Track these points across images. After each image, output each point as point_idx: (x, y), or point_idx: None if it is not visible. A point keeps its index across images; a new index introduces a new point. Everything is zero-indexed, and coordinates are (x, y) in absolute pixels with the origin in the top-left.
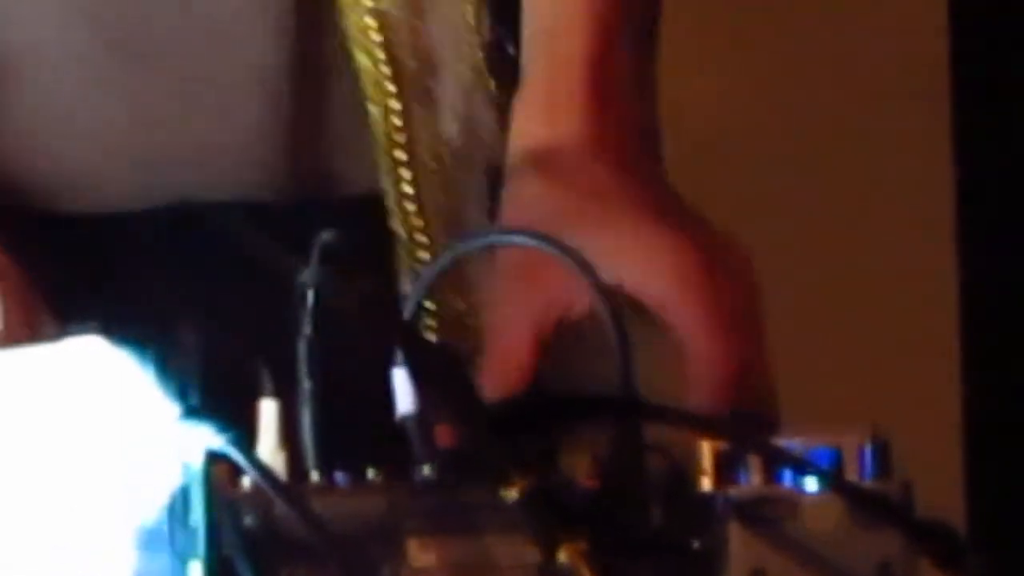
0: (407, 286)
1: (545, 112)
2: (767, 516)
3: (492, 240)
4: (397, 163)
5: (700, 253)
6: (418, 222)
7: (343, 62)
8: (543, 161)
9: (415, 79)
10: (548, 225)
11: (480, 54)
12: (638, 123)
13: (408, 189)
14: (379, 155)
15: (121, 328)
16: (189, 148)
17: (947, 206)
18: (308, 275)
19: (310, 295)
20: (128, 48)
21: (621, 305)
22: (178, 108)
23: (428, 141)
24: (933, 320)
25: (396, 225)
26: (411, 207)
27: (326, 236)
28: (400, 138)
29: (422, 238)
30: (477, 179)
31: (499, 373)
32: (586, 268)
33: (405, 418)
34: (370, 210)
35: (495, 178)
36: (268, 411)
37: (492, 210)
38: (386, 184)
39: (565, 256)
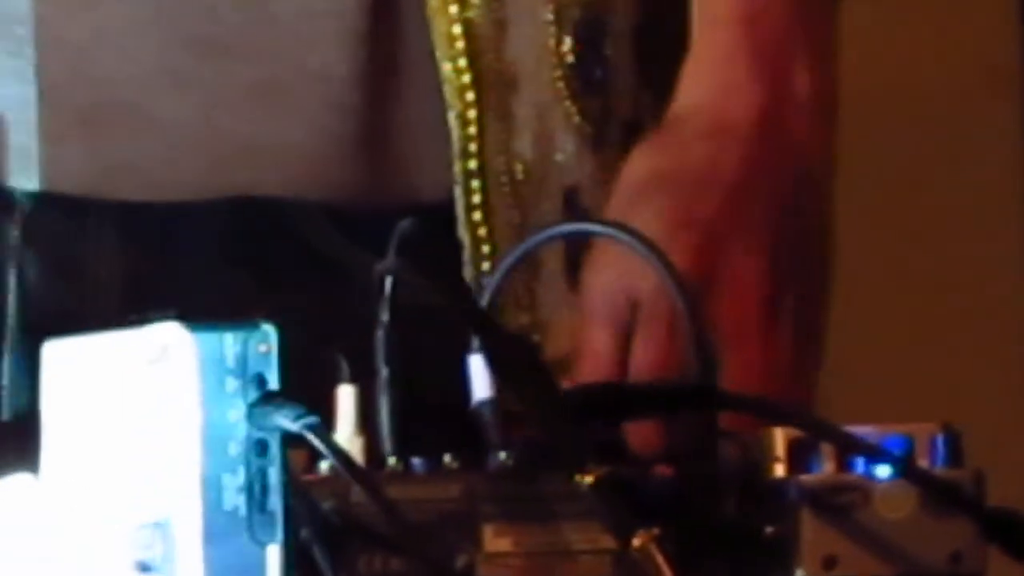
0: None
1: (688, 74)
2: (839, 504)
3: (566, 230)
4: (469, 173)
5: (760, 257)
6: (483, 232)
7: (421, 71)
8: (670, 125)
9: (494, 92)
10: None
11: (559, 75)
12: (792, 88)
13: (477, 199)
14: (453, 163)
15: (194, 314)
16: (255, 145)
17: (1019, 199)
18: (386, 263)
19: (388, 283)
20: (199, 43)
21: (695, 294)
22: (246, 105)
23: (501, 154)
24: (1005, 311)
25: (462, 233)
26: (478, 216)
27: (404, 224)
28: (473, 147)
29: (486, 248)
30: (550, 199)
31: (589, 374)
32: (661, 259)
33: (481, 405)
34: (440, 219)
35: (571, 198)
36: (346, 397)
37: None
38: (456, 192)
39: (639, 246)
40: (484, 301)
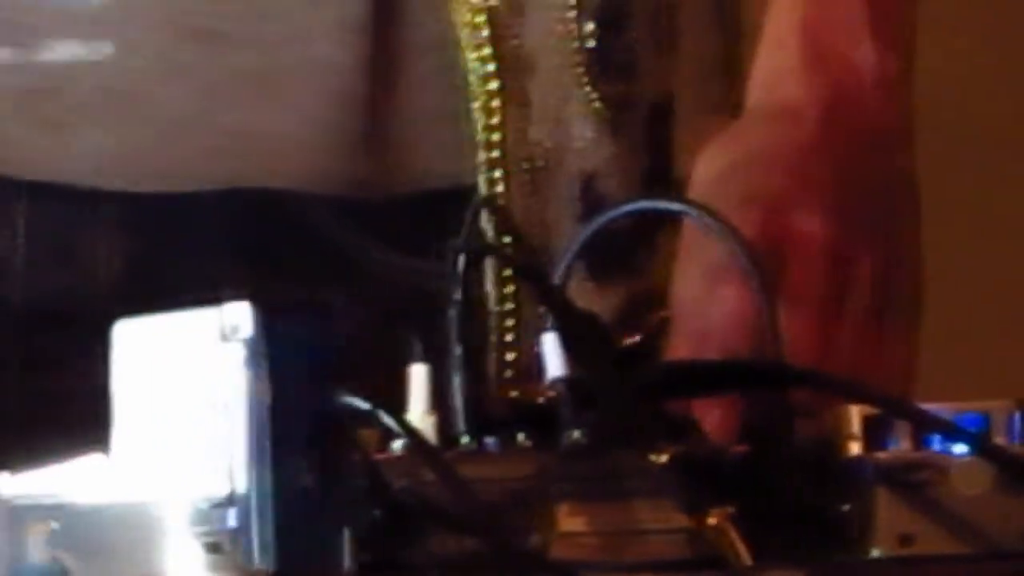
0: (489, 286)
1: (754, 64)
2: (915, 481)
3: (638, 207)
4: (490, 161)
5: (823, 224)
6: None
7: (424, 58)
8: (737, 120)
9: (513, 78)
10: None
11: (579, 60)
12: (854, 66)
13: (499, 188)
14: (474, 152)
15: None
16: (254, 135)
17: None
18: (458, 240)
19: (461, 260)
20: (200, 32)
21: (769, 271)
22: (246, 95)
23: (521, 142)
24: None
25: (484, 222)
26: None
27: (478, 199)
28: (496, 137)
29: (507, 237)
30: (567, 184)
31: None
32: (736, 236)
33: (555, 382)
34: (449, 207)
35: (588, 185)
36: (418, 376)
37: (582, 215)
38: (479, 181)
39: (711, 221)
40: (555, 279)
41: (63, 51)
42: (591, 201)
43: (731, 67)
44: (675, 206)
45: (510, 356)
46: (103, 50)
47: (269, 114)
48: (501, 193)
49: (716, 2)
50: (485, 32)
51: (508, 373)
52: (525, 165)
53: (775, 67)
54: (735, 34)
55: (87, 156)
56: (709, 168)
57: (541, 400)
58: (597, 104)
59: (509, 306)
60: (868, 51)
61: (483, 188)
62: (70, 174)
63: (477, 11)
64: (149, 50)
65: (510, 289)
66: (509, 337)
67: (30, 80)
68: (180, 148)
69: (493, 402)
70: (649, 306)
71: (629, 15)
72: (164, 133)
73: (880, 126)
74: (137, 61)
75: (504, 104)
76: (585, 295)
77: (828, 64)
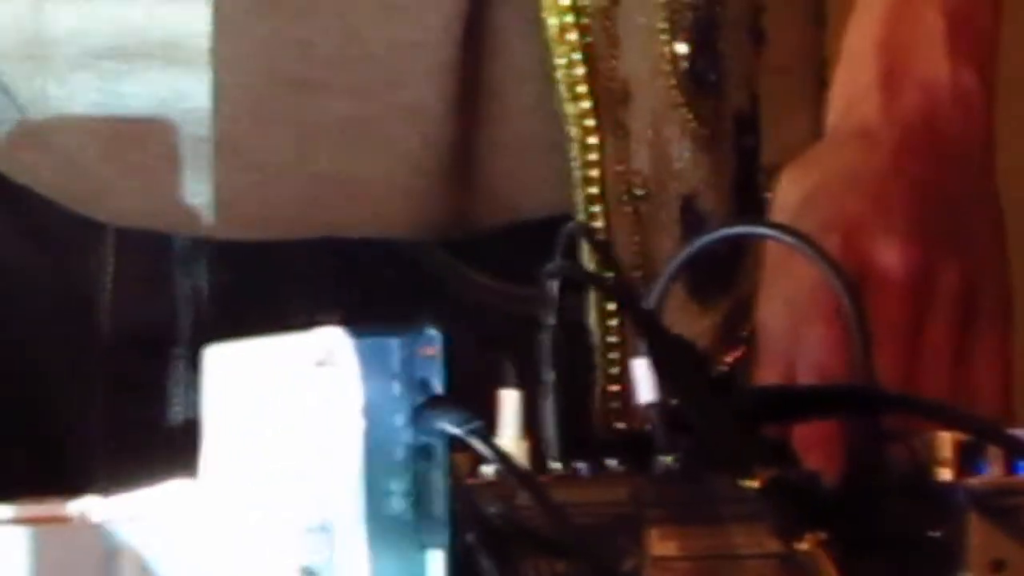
0: (591, 320)
1: (838, 92)
2: (1007, 507)
3: (734, 232)
4: (590, 198)
5: (903, 245)
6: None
7: (510, 91)
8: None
9: (608, 111)
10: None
11: (674, 83)
12: (941, 89)
13: (599, 223)
14: (572, 189)
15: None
16: (347, 181)
17: None
18: (552, 266)
19: (554, 286)
20: (294, 80)
21: (862, 295)
22: (338, 142)
23: (621, 174)
24: None
25: (585, 260)
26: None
27: (570, 226)
28: (595, 173)
29: (610, 274)
30: (667, 210)
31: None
32: (827, 260)
33: (647, 407)
34: (542, 238)
35: (687, 206)
36: (510, 401)
37: (683, 237)
38: (579, 218)
39: (805, 247)
40: (650, 303)
41: (156, 96)
42: (691, 222)
43: (817, 56)
44: (771, 232)
45: (614, 388)
46: (197, 97)
47: (361, 161)
48: (602, 228)
49: None
50: (581, 70)
51: (614, 405)
52: (625, 197)
53: (853, 87)
54: (822, 24)
55: (177, 204)
56: (790, 194)
57: (635, 427)
58: (693, 124)
59: (613, 339)
60: (946, 68)
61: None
62: (160, 222)
63: (575, 48)
64: (243, 97)
65: (614, 322)
66: (614, 370)
67: (121, 126)
68: (273, 196)
69: (585, 428)
70: (745, 322)
71: (719, 26)
72: (258, 181)
73: (959, 142)
74: (230, 109)
75: (602, 139)
76: (688, 317)
77: (905, 82)
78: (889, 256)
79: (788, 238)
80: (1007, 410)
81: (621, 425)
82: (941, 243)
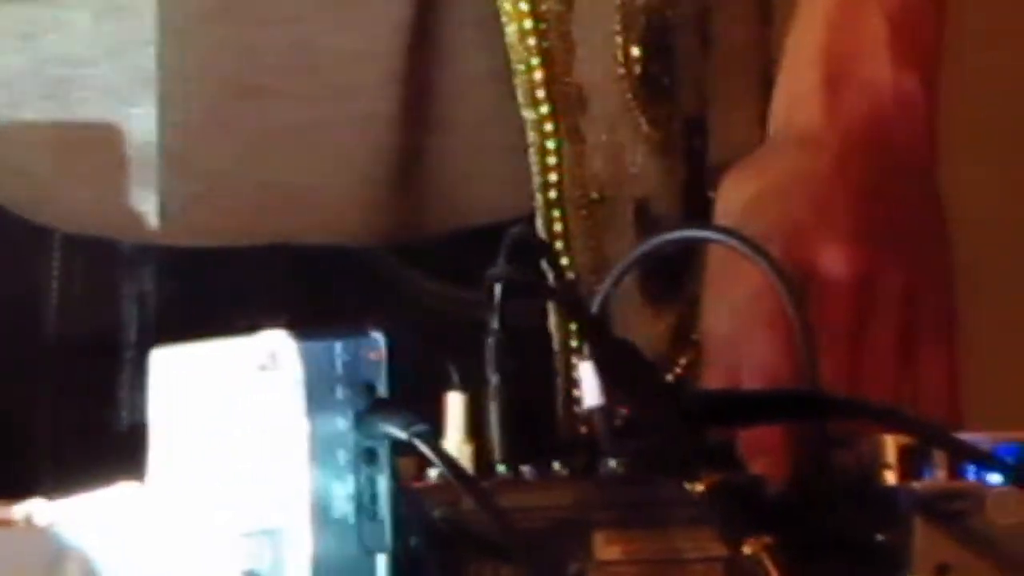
0: (552, 324)
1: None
2: (952, 511)
3: (676, 237)
4: (548, 203)
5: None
6: (567, 261)
7: (462, 98)
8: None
9: (565, 117)
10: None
11: (627, 87)
12: (883, 93)
13: (558, 228)
14: (531, 194)
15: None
16: (294, 189)
17: None
18: (495, 270)
19: (497, 290)
20: (245, 88)
21: (805, 300)
22: (286, 150)
23: (578, 179)
24: None
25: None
26: (560, 246)
27: (514, 231)
28: (553, 178)
29: (570, 275)
30: (623, 214)
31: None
32: (771, 264)
33: (592, 411)
34: (489, 243)
35: (641, 209)
36: (455, 404)
37: (636, 240)
38: (538, 223)
39: (749, 251)
40: (594, 307)
41: (103, 103)
42: (645, 225)
43: (765, 54)
44: (715, 236)
45: (577, 391)
46: (144, 104)
47: (310, 169)
48: (560, 233)
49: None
50: (539, 75)
51: (577, 409)
52: (582, 201)
53: (796, 91)
54: (768, 23)
55: (124, 210)
56: (734, 198)
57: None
58: (646, 128)
59: (575, 343)
60: (889, 73)
61: (543, 229)
62: (107, 227)
63: (533, 53)
64: (191, 104)
65: (575, 326)
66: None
67: (69, 132)
68: (219, 203)
69: (539, 431)
70: (696, 325)
71: (671, 28)
72: (206, 189)
73: (901, 146)
74: (178, 116)
75: (559, 145)
76: (644, 320)
77: (848, 87)
78: (833, 260)
79: (733, 242)
80: (954, 413)
81: (584, 429)
82: (884, 247)
